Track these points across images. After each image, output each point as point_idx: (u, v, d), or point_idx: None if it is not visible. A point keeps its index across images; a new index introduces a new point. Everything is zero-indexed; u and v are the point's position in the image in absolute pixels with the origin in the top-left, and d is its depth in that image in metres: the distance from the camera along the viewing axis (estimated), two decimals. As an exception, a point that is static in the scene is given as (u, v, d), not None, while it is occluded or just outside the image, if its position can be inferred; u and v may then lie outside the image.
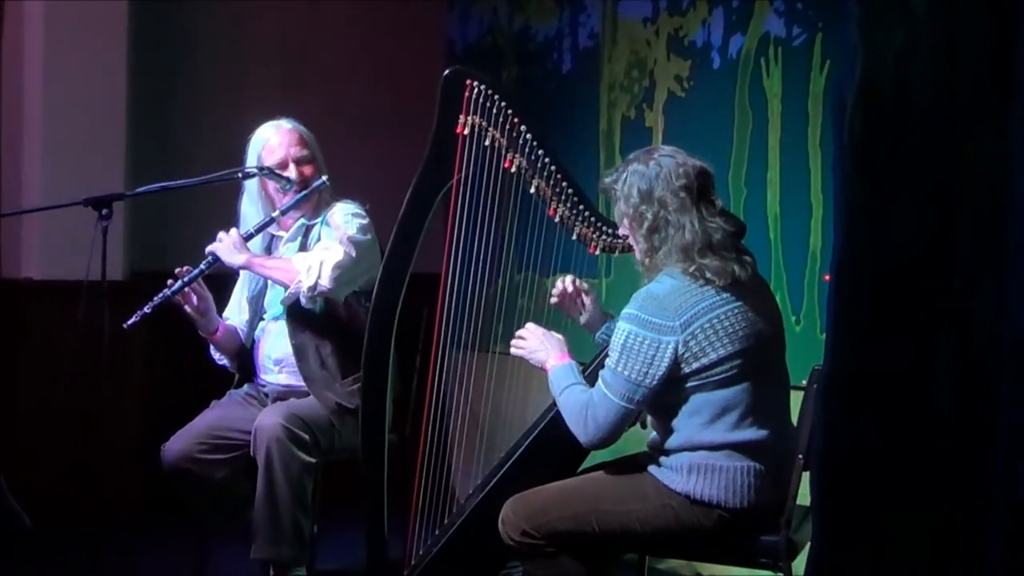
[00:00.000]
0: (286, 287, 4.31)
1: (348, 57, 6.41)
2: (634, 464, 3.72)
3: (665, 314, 3.46)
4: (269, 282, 4.50)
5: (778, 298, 4.18)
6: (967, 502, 2.69)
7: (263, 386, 4.55)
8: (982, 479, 2.66)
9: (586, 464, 3.89)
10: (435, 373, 3.90)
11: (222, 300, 4.61)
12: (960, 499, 2.71)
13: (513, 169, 3.81)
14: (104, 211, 4.05)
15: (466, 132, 3.80)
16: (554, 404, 3.72)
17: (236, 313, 4.62)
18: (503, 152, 3.80)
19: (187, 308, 4.40)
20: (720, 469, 3.49)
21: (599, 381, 3.55)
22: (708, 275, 3.48)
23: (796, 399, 3.75)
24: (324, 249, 4.30)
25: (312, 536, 4.38)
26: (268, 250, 4.56)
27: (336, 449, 4.35)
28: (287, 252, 4.48)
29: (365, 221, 4.40)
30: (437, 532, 3.91)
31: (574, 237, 3.85)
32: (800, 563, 3.40)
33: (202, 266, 4.32)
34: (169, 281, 4.29)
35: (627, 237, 3.69)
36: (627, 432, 3.61)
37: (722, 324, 3.47)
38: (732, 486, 3.49)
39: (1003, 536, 2.62)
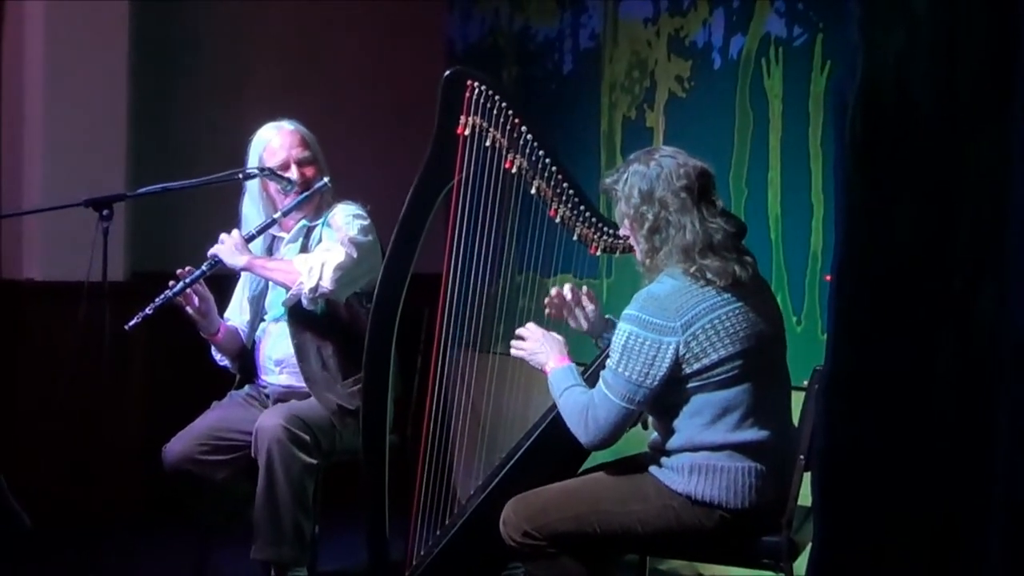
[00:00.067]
0: (287, 288, 4.31)
1: (349, 58, 6.41)
2: (635, 465, 3.72)
3: (666, 315, 3.46)
4: (270, 283, 4.50)
5: (779, 298, 4.19)
6: (967, 502, 2.69)
7: (264, 387, 4.55)
8: (982, 480, 2.66)
9: (587, 465, 3.89)
10: (436, 374, 3.90)
11: (223, 301, 4.61)
12: (960, 499, 2.71)
13: (514, 170, 3.81)
14: (105, 212, 4.06)
15: (467, 133, 3.80)
16: (555, 405, 3.72)
17: (237, 314, 4.63)
18: (504, 153, 3.80)
19: (188, 309, 4.40)
20: (721, 470, 3.49)
21: (600, 382, 3.55)
22: (709, 276, 3.48)
23: (797, 400, 3.75)
24: (325, 250, 4.30)
25: (313, 537, 4.38)
26: (269, 251, 4.57)
27: (337, 450, 4.35)
28: (288, 253, 4.48)
29: (366, 222, 4.40)
30: (438, 533, 3.91)
31: (575, 238, 3.85)
32: (801, 564, 3.40)
33: (204, 267, 4.32)
34: (170, 282, 4.29)
35: (628, 238, 3.69)
36: (628, 433, 3.61)
37: (723, 325, 3.47)
38: (733, 487, 3.49)
39: (1003, 536, 2.61)
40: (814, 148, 4.79)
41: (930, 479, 2.73)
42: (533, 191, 3.82)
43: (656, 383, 3.47)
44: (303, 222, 4.50)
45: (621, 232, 3.72)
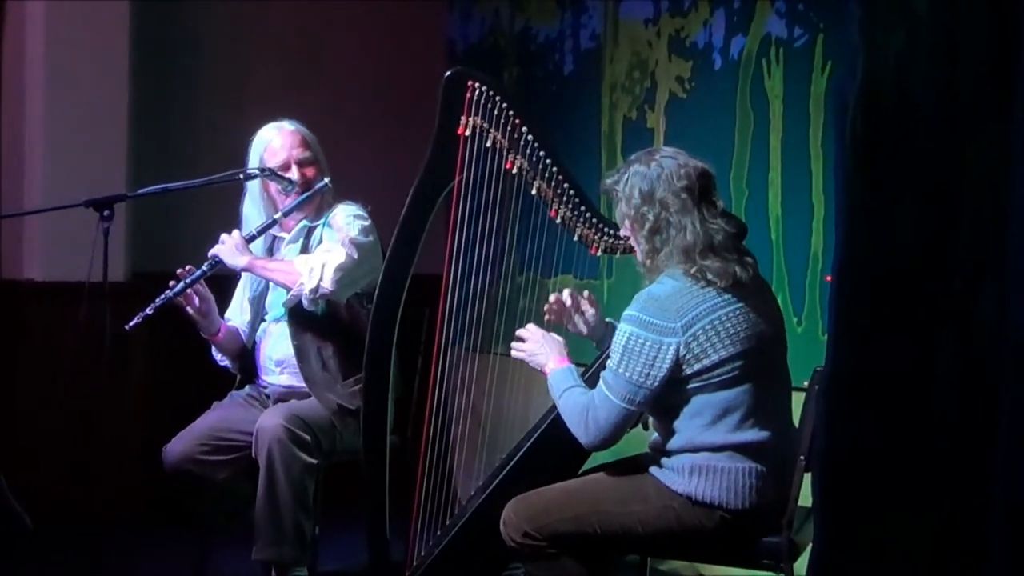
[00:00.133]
0: (288, 289, 4.31)
1: (349, 58, 6.41)
2: (635, 465, 3.72)
3: (666, 315, 3.46)
4: (271, 284, 4.50)
5: (779, 299, 4.18)
6: (968, 503, 2.69)
7: (264, 387, 4.55)
8: (983, 480, 2.66)
9: (587, 465, 3.89)
10: (437, 374, 3.91)
11: (224, 301, 4.61)
12: (961, 500, 2.71)
13: (514, 170, 3.81)
14: (106, 212, 4.05)
15: (467, 133, 3.80)
16: (556, 406, 3.72)
17: (238, 314, 4.63)
18: (504, 153, 3.80)
19: (189, 309, 4.40)
20: (722, 470, 3.49)
21: (600, 382, 3.55)
22: (709, 276, 3.48)
23: (798, 400, 3.75)
24: (326, 251, 4.30)
25: (313, 537, 4.38)
26: (270, 252, 4.57)
27: (337, 450, 4.35)
28: (289, 254, 4.48)
29: (367, 223, 4.40)
30: (439, 533, 3.91)
31: (575, 238, 3.85)
32: (802, 564, 3.40)
33: (204, 268, 4.32)
34: (171, 282, 4.29)
35: (628, 238, 3.69)
36: (628, 433, 3.61)
37: (723, 325, 3.47)
38: (734, 487, 3.49)
39: (1004, 537, 2.61)
40: (815, 149, 4.79)
41: (930, 480, 2.73)
42: (534, 192, 3.82)
43: (656, 384, 3.47)
44: (304, 222, 4.50)
45: (622, 233, 3.72)
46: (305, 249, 4.46)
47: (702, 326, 3.46)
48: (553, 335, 3.79)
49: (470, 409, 4.08)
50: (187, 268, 4.32)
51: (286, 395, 4.46)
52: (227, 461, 4.34)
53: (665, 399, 3.52)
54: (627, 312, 3.53)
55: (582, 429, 3.55)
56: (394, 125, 6.23)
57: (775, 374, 3.64)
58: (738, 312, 3.50)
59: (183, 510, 4.49)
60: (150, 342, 5.45)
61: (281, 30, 6.28)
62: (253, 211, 4.52)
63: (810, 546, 3.10)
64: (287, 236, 4.53)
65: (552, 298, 3.88)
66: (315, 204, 4.47)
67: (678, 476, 3.53)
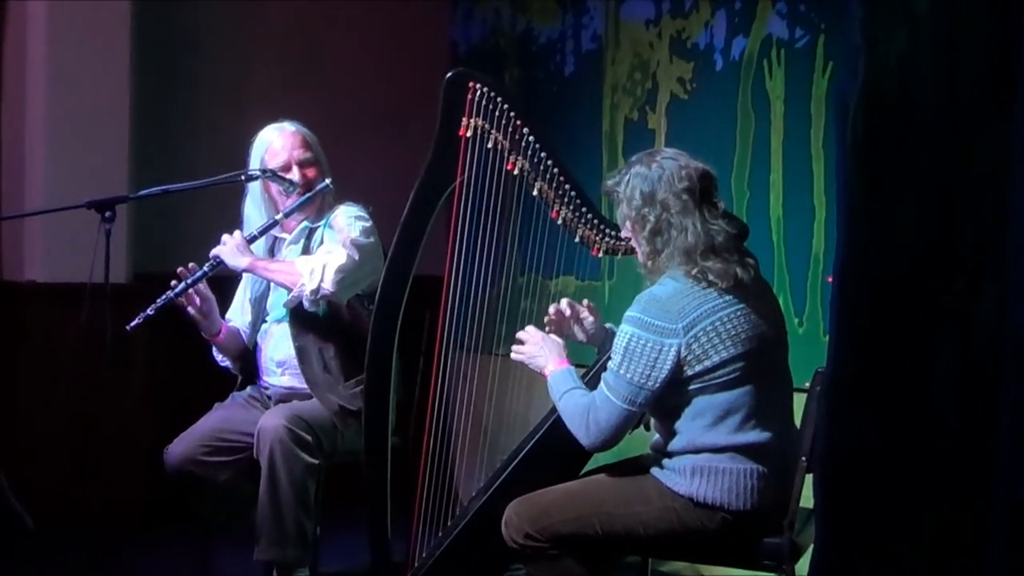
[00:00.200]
0: (289, 290, 4.31)
1: (351, 59, 6.41)
2: (637, 466, 3.72)
3: (668, 316, 3.46)
4: (272, 284, 4.50)
5: (781, 300, 4.19)
6: (969, 503, 2.69)
7: (266, 388, 4.55)
8: (984, 480, 2.66)
9: (589, 466, 3.89)
10: (438, 375, 3.90)
11: (225, 302, 4.61)
12: (962, 500, 2.71)
13: (516, 171, 3.81)
14: (107, 213, 4.05)
15: (469, 134, 3.80)
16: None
17: (239, 315, 4.62)
18: (506, 154, 3.80)
19: (190, 310, 4.40)
20: (723, 471, 3.49)
21: (601, 383, 3.55)
22: (711, 277, 3.48)
23: (799, 401, 3.74)
24: (327, 252, 4.30)
25: (315, 538, 4.38)
26: (271, 252, 4.57)
27: (339, 451, 4.35)
28: (290, 255, 4.48)
29: (368, 224, 4.40)
30: (440, 534, 3.91)
31: (576, 239, 3.85)
32: (803, 565, 3.39)
33: (205, 268, 4.32)
34: (172, 283, 4.29)
35: (629, 239, 3.69)
36: (630, 434, 3.61)
37: (725, 327, 3.47)
38: (735, 488, 3.49)
39: (1005, 537, 2.62)
40: (816, 150, 4.79)
41: (931, 480, 2.73)
42: (535, 193, 3.82)
43: (658, 385, 3.47)
44: (305, 223, 4.50)
45: (623, 234, 3.72)
46: (306, 250, 4.46)
47: (703, 327, 3.46)
48: (552, 337, 3.79)
49: (471, 410, 4.08)
50: (190, 266, 4.32)
51: (287, 396, 4.46)
52: (229, 462, 4.34)
53: (666, 400, 3.52)
54: (628, 313, 3.53)
55: (583, 430, 3.55)
56: (395, 126, 6.24)
57: (776, 375, 3.64)
58: (739, 313, 3.50)
59: (185, 511, 4.49)
60: (151, 343, 5.45)
61: (282, 31, 6.28)
62: (254, 212, 4.52)
63: (812, 547, 3.10)
64: (288, 237, 4.53)
65: (552, 309, 3.88)
66: (316, 205, 4.47)
67: (680, 477, 3.53)
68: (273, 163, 4.44)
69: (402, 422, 4.36)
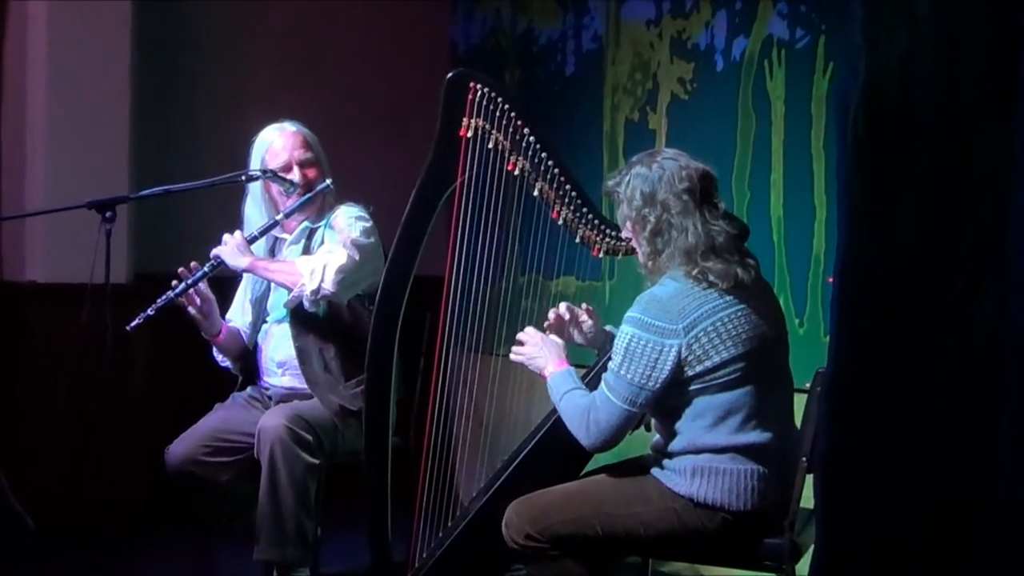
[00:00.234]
0: (289, 290, 4.31)
1: (351, 59, 6.41)
2: (637, 467, 3.72)
3: (668, 317, 3.46)
4: (272, 285, 4.50)
5: (781, 301, 4.19)
6: (969, 504, 2.69)
7: (266, 388, 4.55)
8: (984, 481, 2.66)
9: (589, 467, 3.89)
10: (439, 376, 3.90)
11: (225, 302, 4.61)
12: (962, 501, 2.71)
13: (516, 172, 3.81)
14: (108, 214, 4.05)
15: (469, 135, 3.80)
16: (557, 407, 3.72)
17: (239, 315, 4.62)
18: (506, 155, 3.81)
19: (190, 310, 4.40)
20: (724, 472, 3.49)
21: (602, 384, 3.54)
22: (711, 278, 3.48)
23: (800, 402, 3.74)
24: (327, 252, 4.30)
25: (316, 538, 4.38)
26: (272, 253, 4.56)
27: (339, 451, 4.35)
28: (291, 255, 4.48)
29: (369, 224, 4.40)
30: (441, 535, 3.91)
31: (577, 240, 3.85)
32: (804, 566, 3.39)
33: (206, 268, 4.32)
34: (173, 283, 4.29)
35: (630, 240, 3.69)
36: (630, 435, 3.61)
37: (725, 327, 3.47)
38: (736, 489, 3.49)
39: (1005, 537, 2.62)
40: (816, 150, 4.79)
41: (932, 481, 2.73)
42: (535, 193, 3.82)
43: (658, 385, 3.47)
44: (305, 224, 4.50)
45: (623, 234, 3.72)
46: (307, 250, 4.46)
47: (704, 328, 3.45)
48: (552, 338, 3.79)
49: (472, 410, 4.08)
50: (192, 265, 4.32)
51: (288, 396, 4.46)
52: (229, 462, 4.34)
53: (667, 401, 3.52)
54: (629, 314, 3.53)
55: (583, 431, 3.55)
56: (396, 126, 6.24)
57: (777, 376, 3.64)
58: (740, 314, 3.50)
59: (185, 511, 4.49)
60: (152, 343, 5.45)
61: (283, 31, 6.29)
62: (255, 212, 4.52)
63: (812, 547, 3.10)
64: (289, 237, 4.53)
65: (551, 315, 3.87)
66: (317, 205, 4.47)
67: (680, 478, 3.53)
68: (274, 163, 4.44)
69: (403, 422, 4.37)
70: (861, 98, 2.76)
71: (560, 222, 3.83)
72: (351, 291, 4.32)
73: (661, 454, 3.61)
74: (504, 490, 3.80)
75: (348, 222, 4.38)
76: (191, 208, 5.53)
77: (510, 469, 3.87)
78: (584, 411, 3.54)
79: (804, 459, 3.51)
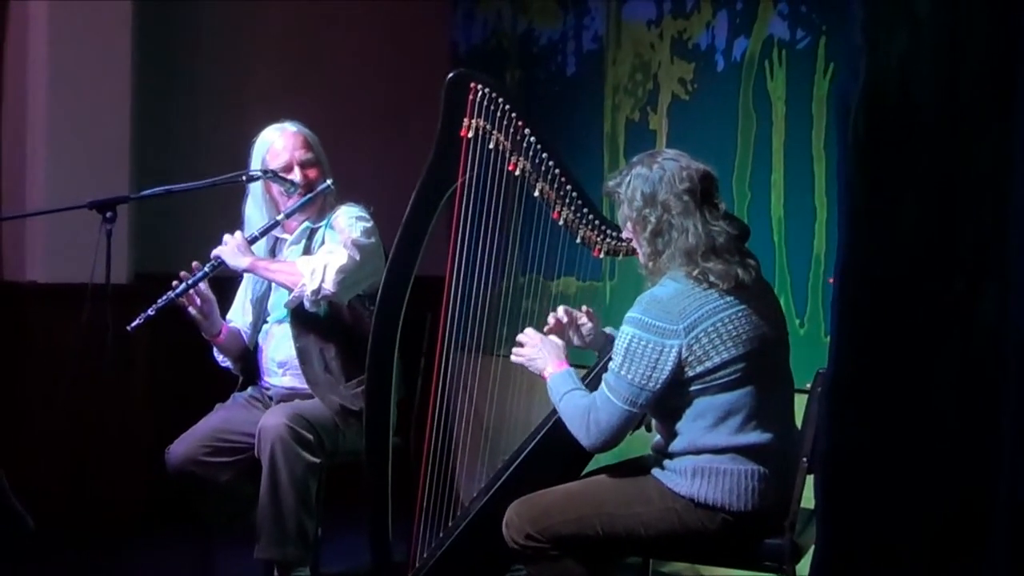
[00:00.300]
0: (290, 290, 4.31)
1: (352, 60, 6.41)
2: (638, 467, 3.72)
3: (669, 317, 3.46)
4: (273, 285, 4.50)
5: (782, 301, 4.19)
6: (969, 504, 2.69)
7: (267, 389, 4.55)
8: (985, 481, 2.66)
9: (590, 467, 3.89)
10: (439, 376, 3.91)
11: (226, 303, 4.61)
12: (963, 501, 2.71)
13: (517, 172, 3.81)
14: (108, 214, 4.05)
15: (470, 135, 3.81)
16: (558, 408, 3.72)
17: (240, 315, 4.62)
18: (507, 155, 3.81)
19: (191, 310, 4.40)
20: (724, 472, 3.49)
21: (602, 384, 3.54)
22: (712, 279, 3.48)
23: (800, 402, 3.74)
24: (328, 253, 4.30)
25: (316, 538, 4.38)
26: (272, 253, 4.57)
27: (340, 451, 4.35)
28: (291, 255, 4.48)
29: (369, 224, 4.40)
30: (441, 535, 3.91)
31: (578, 240, 3.85)
32: (804, 566, 3.39)
33: (206, 269, 4.32)
34: (174, 283, 4.29)
35: (631, 240, 3.69)
36: (631, 435, 3.61)
37: (726, 328, 3.47)
38: (736, 489, 3.49)
39: (1006, 537, 2.62)
40: (817, 151, 4.79)
41: (932, 481, 2.73)
42: (536, 194, 3.82)
43: (659, 386, 3.47)
44: (306, 224, 4.50)
45: (624, 235, 3.72)
46: (307, 250, 4.46)
47: (704, 328, 3.45)
48: (552, 339, 3.79)
49: (472, 411, 4.08)
50: (194, 265, 4.32)
51: (289, 396, 4.46)
52: (230, 463, 4.33)
53: (667, 401, 3.52)
54: (629, 314, 3.53)
55: (584, 431, 3.55)
56: (396, 127, 6.24)
57: (777, 376, 3.64)
58: (740, 314, 3.50)
59: (185, 511, 4.49)
60: (152, 343, 5.45)
61: (283, 31, 6.29)
62: (255, 212, 4.52)
63: (812, 548, 3.10)
64: (289, 238, 4.53)
65: (551, 319, 3.87)
66: (317, 205, 4.47)
67: (681, 478, 3.53)
68: (274, 164, 4.44)
69: (403, 422, 4.37)
70: (862, 98, 2.76)
71: (561, 223, 3.83)
72: (352, 291, 4.32)
73: (662, 454, 3.61)
74: (504, 490, 3.80)
75: (349, 222, 4.38)
76: (192, 208, 5.53)
77: (510, 469, 3.87)
78: (584, 411, 3.54)
79: (805, 459, 3.51)
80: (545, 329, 3.85)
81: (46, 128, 5.62)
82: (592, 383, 3.72)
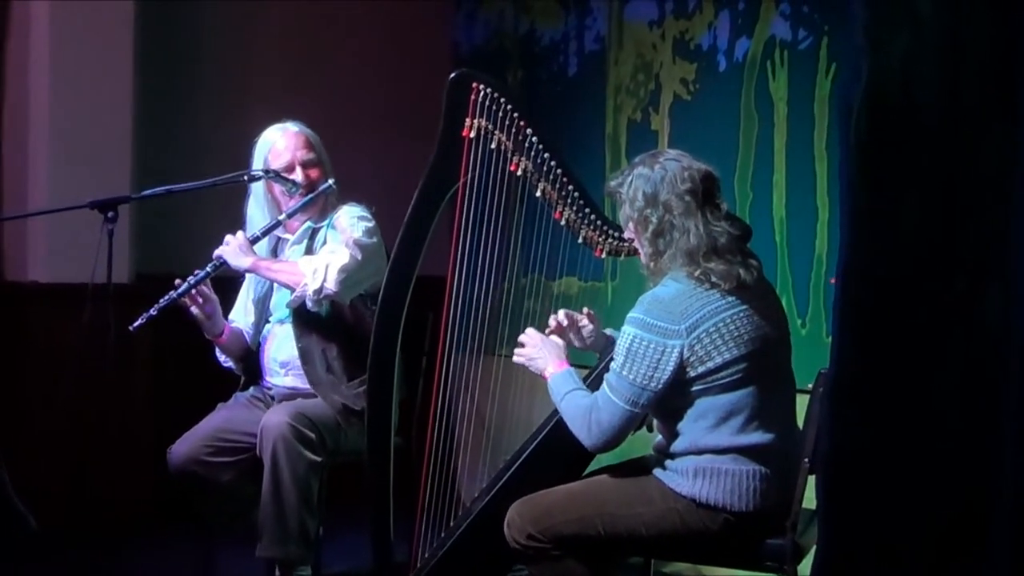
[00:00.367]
0: (292, 290, 4.31)
1: (354, 60, 6.41)
2: (639, 467, 3.71)
3: (670, 318, 3.46)
4: (275, 284, 4.50)
5: (784, 301, 4.19)
6: (971, 504, 2.69)
7: (269, 388, 4.55)
8: (986, 481, 2.66)
9: (591, 467, 3.89)
10: (441, 376, 3.91)
11: (228, 303, 4.61)
12: (965, 501, 2.71)
13: (519, 172, 3.81)
14: (110, 214, 4.05)
15: (472, 135, 3.81)
16: (559, 408, 3.72)
17: (242, 315, 4.62)
18: (509, 155, 3.81)
19: (193, 310, 4.40)
20: (726, 473, 3.49)
21: (604, 384, 3.54)
22: (713, 279, 3.47)
23: (802, 402, 3.74)
24: (330, 252, 4.30)
25: (318, 537, 4.38)
26: (274, 253, 4.57)
27: (342, 450, 4.34)
28: (293, 255, 4.49)
29: (371, 224, 4.40)
30: (443, 535, 3.91)
31: (580, 240, 3.85)
32: (806, 566, 3.39)
33: (208, 269, 4.32)
34: (176, 282, 4.29)
35: (632, 240, 3.69)
36: (632, 435, 3.61)
37: (728, 328, 3.47)
38: (738, 490, 3.49)
39: (1008, 538, 2.62)
40: (819, 151, 4.79)
41: (934, 481, 2.73)
42: (538, 194, 3.82)
43: (660, 386, 3.47)
44: (308, 224, 4.51)
45: (625, 235, 3.72)
46: (309, 250, 4.46)
47: (706, 328, 3.45)
48: (553, 339, 3.79)
49: (474, 411, 4.08)
50: (195, 272, 4.33)
51: (291, 396, 4.45)
52: (232, 462, 4.34)
53: (669, 401, 3.52)
54: (631, 314, 3.53)
55: (585, 431, 3.55)
56: (398, 127, 6.24)
57: (779, 376, 3.64)
58: (742, 314, 3.50)
59: (187, 511, 4.49)
60: (154, 344, 5.45)
61: (285, 32, 6.29)
62: (257, 212, 4.53)
63: (814, 548, 3.10)
64: (291, 237, 4.53)
65: (552, 322, 3.87)
66: (319, 205, 4.47)
67: (682, 478, 3.53)
68: (276, 164, 4.44)
69: (405, 422, 4.37)
70: (863, 99, 2.76)
71: (562, 223, 3.83)
72: (353, 291, 4.32)
73: (663, 455, 3.61)
74: (506, 490, 3.80)
75: (351, 222, 4.38)
76: (193, 208, 5.53)
77: (512, 469, 3.87)
78: (586, 411, 3.54)
79: (806, 460, 3.51)
80: (546, 331, 3.85)
81: (48, 128, 5.62)
82: (593, 384, 3.72)
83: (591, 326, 3.94)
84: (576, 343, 3.93)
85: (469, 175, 3.81)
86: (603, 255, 3.88)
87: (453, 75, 3.88)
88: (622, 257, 3.89)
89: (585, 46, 5.92)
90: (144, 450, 5.32)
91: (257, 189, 4.50)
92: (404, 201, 3.87)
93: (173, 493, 4.43)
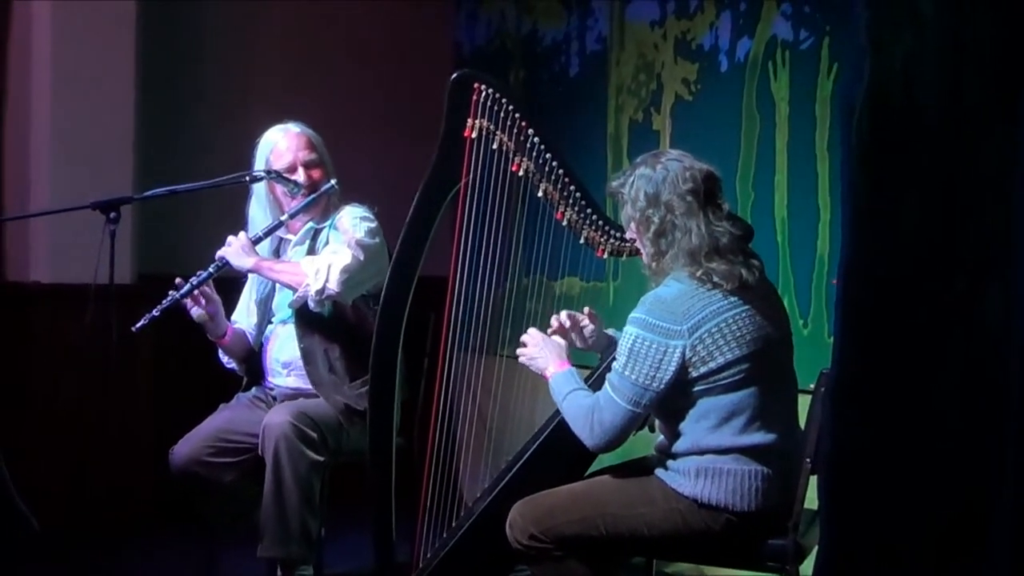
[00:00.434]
0: (294, 290, 4.32)
1: (355, 60, 6.42)
2: (641, 468, 3.72)
3: (672, 318, 3.46)
4: (277, 285, 4.50)
5: (786, 302, 4.18)
6: (973, 504, 2.69)
7: (271, 389, 4.55)
8: (987, 482, 2.66)
9: (593, 468, 3.89)
10: (443, 376, 3.91)
11: (230, 303, 4.61)
12: (966, 501, 2.71)
13: (520, 173, 3.81)
14: (112, 214, 4.06)
15: (474, 135, 3.81)
16: (561, 408, 3.72)
17: (244, 316, 4.63)
18: (511, 155, 3.81)
19: (196, 311, 4.40)
20: (728, 473, 3.49)
21: (605, 384, 3.54)
22: (715, 279, 3.48)
23: (804, 403, 3.74)
24: (332, 253, 4.31)
25: (319, 537, 4.38)
26: (276, 253, 4.57)
27: (344, 450, 4.35)
28: (295, 255, 4.49)
29: (373, 224, 4.41)
30: (445, 535, 3.91)
31: (581, 240, 3.85)
32: (807, 566, 3.39)
33: (210, 269, 4.33)
34: (178, 281, 4.30)
35: (634, 241, 3.69)
36: (634, 435, 3.61)
37: (730, 328, 3.47)
38: (740, 490, 3.49)
39: (1009, 538, 2.61)
40: (821, 151, 4.79)
41: (935, 481, 2.73)
42: (540, 194, 3.82)
43: (662, 386, 3.47)
44: (310, 224, 4.51)
45: (627, 235, 3.72)
46: (311, 251, 4.46)
47: (708, 329, 3.46)
48: (554, 339, 3.79)
49: (476, 411, 4.08)
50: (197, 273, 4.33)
51: (293, 397, 4.46)
52: (234, 463, 4.34)
53: (671, 402, 3.52)
54: (633, 315, 3.53)
55: (587, 431, 3.55)
56: (400, 127, 6.24)
57: (781, 377, 3.64)
58: (744, 315, 3.50)
59: (189, 511, 4.49)
60: (157, 344, 5.45)
61: (287, 32, 6.29)
62: (259, 213, 4.53)
63: (816, 548, 3.10)
64: (293, 238, 4.53)
65: (553, 323, 3.87)
66: (321, 206, 4.48)
67: (684, 478, 3.53)
68: (278, 164, 4.45)
69: (407, 423, 4.37)
70: (865, 99, 2.76)
71: (564, 223, 3.83)
72: (356, 291, 4.32)
73: (665, 455, 3.61)
74: (508, 491, 3.80)
75: (353, 222, 4.38)
76: (195, 209, 5.53)
77: (514, 470, 3.87)
78: (588, 411, 3.54)
79: (808, 460, 3.51)
80: (548, 332, 3.85)
81: (50, 128, 5.63)
82: (595, 384, 3.72)
83: (593, 326, 3.94)
84: (578, 343, 3.93)
85: (471, 176, 3.81)
86: (605, 255, 3.88)
87: (455, 75, 3.88)
88: (624, 257, 3.89)
89: (587, 46, 5.92)
90: (145, 450, 5.33)
91: (259, 190, 4.51)
92: (406, 201, 3.87)
93: (175, 494, 4.43)
